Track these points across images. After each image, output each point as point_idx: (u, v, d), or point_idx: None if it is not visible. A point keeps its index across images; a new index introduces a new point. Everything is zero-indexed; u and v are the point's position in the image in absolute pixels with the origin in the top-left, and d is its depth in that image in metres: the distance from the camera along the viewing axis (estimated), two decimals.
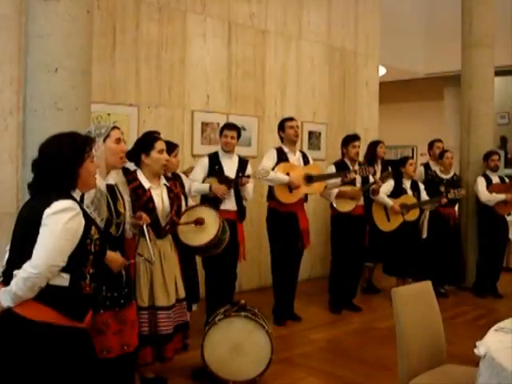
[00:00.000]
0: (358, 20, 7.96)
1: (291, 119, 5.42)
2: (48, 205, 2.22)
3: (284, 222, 5.25)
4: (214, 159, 4.89)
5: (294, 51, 7.15)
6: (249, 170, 5.00)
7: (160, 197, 3.66)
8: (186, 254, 4.09)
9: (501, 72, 8.75)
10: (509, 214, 6.68)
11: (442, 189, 6.38)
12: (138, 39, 5.66)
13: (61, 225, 2.20)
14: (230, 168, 4.89)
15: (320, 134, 7.45)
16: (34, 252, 2.18)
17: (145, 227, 3.29)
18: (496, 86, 7.48)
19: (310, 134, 7.34)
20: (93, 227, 2.34)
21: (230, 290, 4.99)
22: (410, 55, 9.75)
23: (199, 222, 4.00)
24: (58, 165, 2.30)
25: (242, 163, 4.99)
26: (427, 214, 6.51)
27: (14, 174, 4.74)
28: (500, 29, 7.44)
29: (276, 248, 5.34)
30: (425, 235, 6.49)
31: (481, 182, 6.62)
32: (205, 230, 4.03)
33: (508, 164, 10.55)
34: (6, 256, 2.38)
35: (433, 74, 10.47)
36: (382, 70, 9.33)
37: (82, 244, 2.28)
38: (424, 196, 6.29)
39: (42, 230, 2.20)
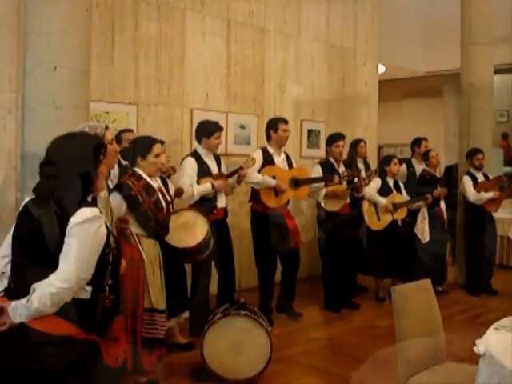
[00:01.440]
0: (357, 18, 7.94)
1: (286, 122, 5.32)
2: (72, 213, 2.04)
3: (271, 224, 5.15)
4: (198, 159, 4.81)
5: (293, 49, 7.14)
6: (223, 165, 4.98)
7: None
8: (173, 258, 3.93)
9: (500, 70, 8.75)
10: (495, 211, 6.64)
11: (439, 188, 6.33)
12: (137, 37, 5.64)
13: (91, 235, 2.04)
14: (213, 166, 4.87)
15: (319, 132, 7.44)
16: (63, 265, 2.01)
17: (133, 230, 3.26)
18: (495, 84, 7.47)
19: (309, 132, 7.34)
20: (111, 235, 2.19)
21: (230, 288, 4.98)
22: (409, 53, 9.75)
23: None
24: (79, 167, 2.11)
25: (218, 159, 4.97)
26: (426, 215, 6.34)
27: (12, 172, 4.74)
28: (499, 27, 7.43)
29: (262, 250, 5.22)
30: (427, 238, 6.27)
31: (467, 182, 6.56)
32: (192, 232, 3.96)
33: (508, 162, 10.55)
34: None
35: (432, 73, 10.48)
36: (382, 69, 9.32)
37: (103, 254, 2.12)
38: (405, 195, 6.22)
39: (69, 242, 2.02)
